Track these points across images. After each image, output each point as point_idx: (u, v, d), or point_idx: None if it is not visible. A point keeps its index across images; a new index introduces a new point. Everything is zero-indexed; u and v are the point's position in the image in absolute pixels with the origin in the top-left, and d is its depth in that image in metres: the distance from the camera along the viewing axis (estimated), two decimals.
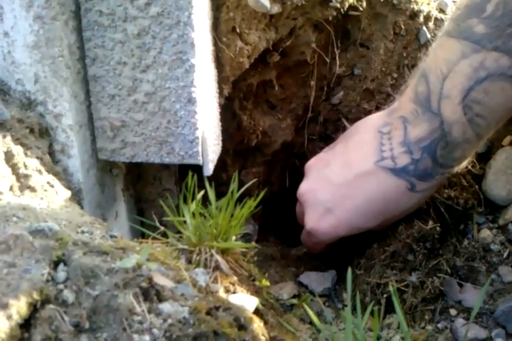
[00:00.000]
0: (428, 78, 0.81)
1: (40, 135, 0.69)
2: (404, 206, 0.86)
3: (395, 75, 1.06)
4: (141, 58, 0.71)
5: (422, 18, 1.04)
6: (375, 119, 0.89)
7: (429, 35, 1.05)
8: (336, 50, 1.03)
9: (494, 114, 0.79)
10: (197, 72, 0.71)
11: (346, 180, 0.86)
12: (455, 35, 0.79)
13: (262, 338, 0.47)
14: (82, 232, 0.54)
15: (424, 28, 1.05)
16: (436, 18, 1.06)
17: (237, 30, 0.83)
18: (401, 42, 1.04)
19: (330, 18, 0.96)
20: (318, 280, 0.94)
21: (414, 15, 1.03)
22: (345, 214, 0.86)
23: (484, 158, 1.00)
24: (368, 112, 1.06)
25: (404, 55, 1.05)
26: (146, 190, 0.92)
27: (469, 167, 0.91)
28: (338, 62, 1.04)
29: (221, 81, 0.85)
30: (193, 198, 0.66)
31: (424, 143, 0.82)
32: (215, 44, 0.81)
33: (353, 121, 1.08)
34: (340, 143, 0.92)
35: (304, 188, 0.90)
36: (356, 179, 0.85)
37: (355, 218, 0.86)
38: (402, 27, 1.03)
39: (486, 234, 0.92)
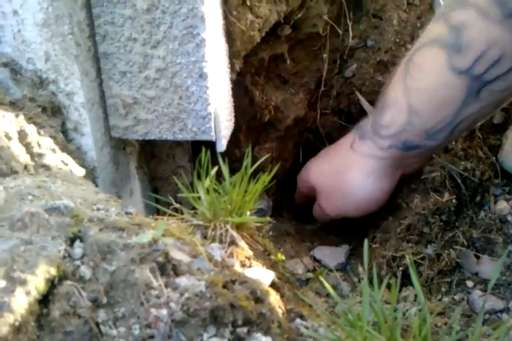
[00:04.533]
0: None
1: (52, 113, 0.69)
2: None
3: (409, 46, 1.04)
4: (152, 34, 0.70)
5: None
6: None
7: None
8: (348, 21, 1.01)
9: (423, 80, 0.81)
10: (208, 47, 0.70)
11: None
12: None
13: (279, 310, 0.47)
14: (98, 209, 0.54)
15: None
16: None
17: (248, 3, 0.81)
18: (415, 13, 1.02)
19: None
20: (331, 255, 0.94)
21: None
22: None
23: (501, 128, 0.99)
24: (382, 84, 1.04)
25: (419, 25, 1.03)
26: (159, 167, 0.92)
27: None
28: (350, 33, 1.02)
29: (232, 55, 0.84)
30: (207, 174, 0.66)
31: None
32: (226, 18, 0.80)
33: (366, 94, 1.07)
34: None
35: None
36: None
37: None
38: None
39: (502, 205, 0.91)
